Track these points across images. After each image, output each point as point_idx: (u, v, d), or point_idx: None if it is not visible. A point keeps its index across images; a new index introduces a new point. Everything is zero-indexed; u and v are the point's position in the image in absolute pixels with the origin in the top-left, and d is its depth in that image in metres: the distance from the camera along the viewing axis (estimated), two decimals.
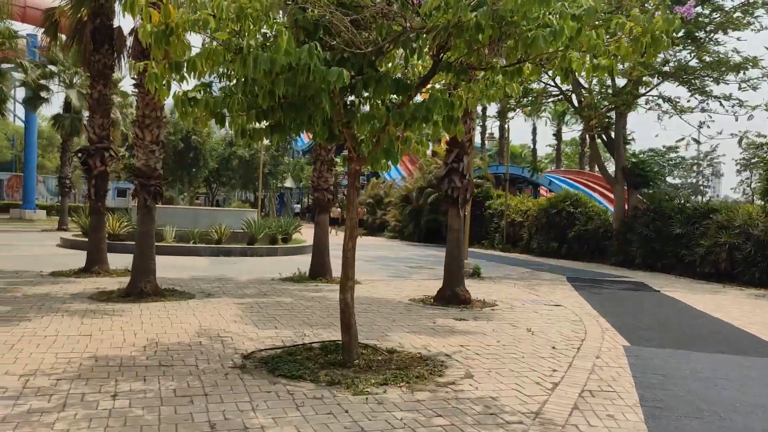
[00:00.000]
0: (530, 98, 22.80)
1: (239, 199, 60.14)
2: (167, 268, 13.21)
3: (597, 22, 5.44)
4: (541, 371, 6.38)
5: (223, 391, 5.14)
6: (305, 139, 59.47)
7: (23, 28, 26.97)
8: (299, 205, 61.87)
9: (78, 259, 13.95)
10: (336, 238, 20.63)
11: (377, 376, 5.74)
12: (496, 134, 50.60)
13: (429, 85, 6.52)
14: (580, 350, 7.49)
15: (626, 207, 22.17)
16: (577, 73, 5.80)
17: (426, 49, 5.73)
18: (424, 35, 5.30)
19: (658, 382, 6.23)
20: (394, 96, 6.04)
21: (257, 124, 5.72)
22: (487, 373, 6.19)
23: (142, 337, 7.10)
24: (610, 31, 5.48)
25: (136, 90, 10.53)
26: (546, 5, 4.97)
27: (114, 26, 12.52)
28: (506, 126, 32.02)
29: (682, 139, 25.00)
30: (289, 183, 56.88)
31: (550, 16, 5.18)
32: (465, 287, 11.03)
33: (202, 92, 5.63)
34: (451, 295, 10.80)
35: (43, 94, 27.84)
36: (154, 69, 5.39)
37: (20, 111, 46.73)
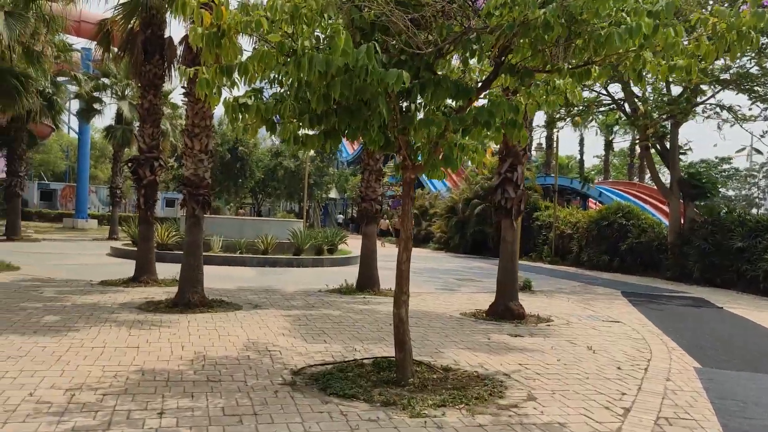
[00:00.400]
0: (581, 107, 22.18)
1: (284, 209, 60.58)
2: (214, 278, 13.14)
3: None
4: (609, 394, 5.94)
5: (274, 411, 4.88)
6: (350, 150, 59.74)
7: (77, 42, 27.66)
8: (342, 216, 61.96)
9: (127, 268, 14.01)
10: (383, 250, 20.39)
11: (434, 397, 5.41)
12: (542, 144, 49.72)
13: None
14: (648, 371, 7.00)
15: (682, 219, 21.31)
16: (650, 75, 5.40)
17: (487, 52, 5.42)
18: (487, 35, 4.99)
19: (739, 409, 5.72)
20: (450, 101, 5.76)
21: (310, 131, 5.48)
22: (551, 395, 5.79)
23: (189, 349, 6.92)
24: (689, 27, 5.09)
25: (186, 99, 10.49)
26: (620, 0, 4.62)
27: (164, 36, 12.58)
28: (555, 136, 31.36)
29: (743, 149, 23.90)
30: (333, 194, 56.98)
31: (623, 13, 4.82)
32: (519, 301, 10.60)
33: (252, 98, 5.43)
34: (505, 310, 10.38)
35: (96, 105, 28.47)
36: (205, 74, 5.23)
37: (74, 123, 48.12)
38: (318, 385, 5.64)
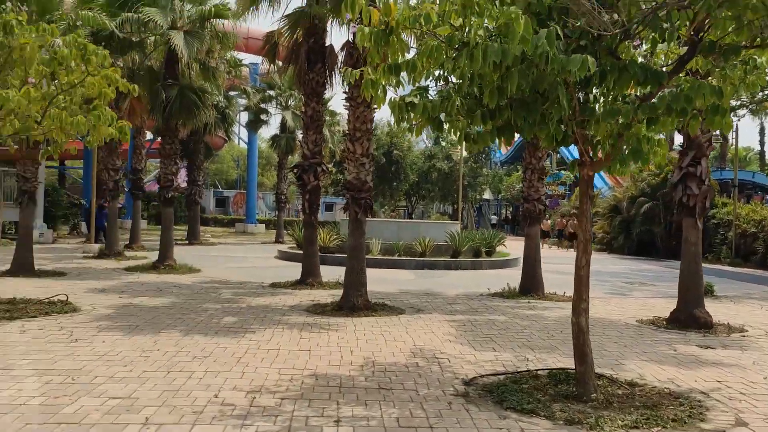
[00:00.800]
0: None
1: (437, 211, 60.81)
2: (375, 281, 13.22)
3: None
4: None
5: (449, 424, 4.64)
6: (503, 150, 58.59)
7: (245, 57, 29.55)
8: (496, 217, 60.94)
9: (293, 270, 14.57)
10: (545, 252, 19.56)
11: (623, 416, 4.88)
12: (717, 136, 45.33)
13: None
14: None
15: None
16: None
17: (680, 30, 4.81)
18: (683, 11, 4.40)
19: None
20: (630, 91, 5.19)
21: (481, 127, 5.18)
22: (764, 420, 5.01)
23: (358, 355, 6.90)
24: None
25: (348, 103, 10.63)
26: None
27: (326, 45, 12.93)
28: (735, 125, 28.44)
29: None
30: (487, 195, 56.19)
31: None
32: (705, 308, 9.55)
33: (418, 97, 5.25)
34: (688, 317, 9.40)
35: (263, 116, 30.29)
36: (371, 75, 5.15)
37: (243, 133, 51.65)
38: (492, 398, 5.33)
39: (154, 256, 16.93)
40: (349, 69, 5.53)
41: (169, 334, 7.64)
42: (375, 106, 10.71)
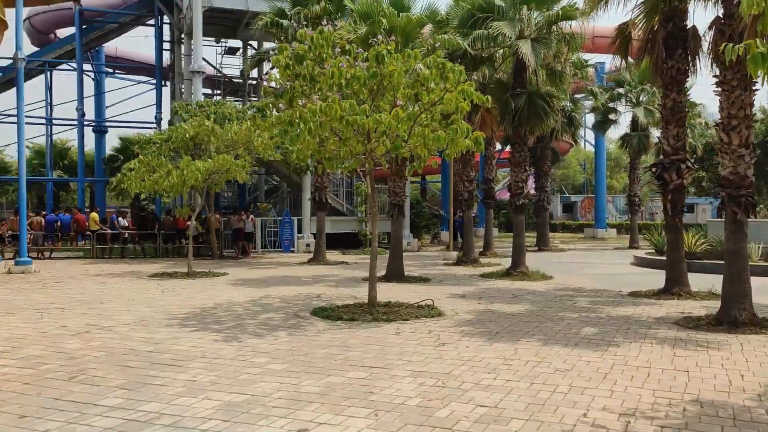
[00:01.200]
0: None
1: None
2: (759, 292, 11.24)
3: None
4: None
5: None
6: None
7: (590, 57, 28.64)
8: None
9: (653, 278, 13.37)
10: None
11: None
12: None
13: None
14: None
15: None
16: None
17: None
18: None
19: None
20: None
21: None
22: None
23: (751, 380, 5.82)
24: None
25: (720, 89, 9.26)
26: None
27: (686, 28, 11.56)
28: None
29: None
30: None
31: None
32: None
33: None
34: None
35: (611, 116, 28.84)
36: (760, 48, 4.29)
37: (589, 136, 50.26)
38: None
39: (506, 262, 17.31)
40: (729, 45, 4.70)
41: (528, 343, 7.55)
42: (756, 88, 9.18)
